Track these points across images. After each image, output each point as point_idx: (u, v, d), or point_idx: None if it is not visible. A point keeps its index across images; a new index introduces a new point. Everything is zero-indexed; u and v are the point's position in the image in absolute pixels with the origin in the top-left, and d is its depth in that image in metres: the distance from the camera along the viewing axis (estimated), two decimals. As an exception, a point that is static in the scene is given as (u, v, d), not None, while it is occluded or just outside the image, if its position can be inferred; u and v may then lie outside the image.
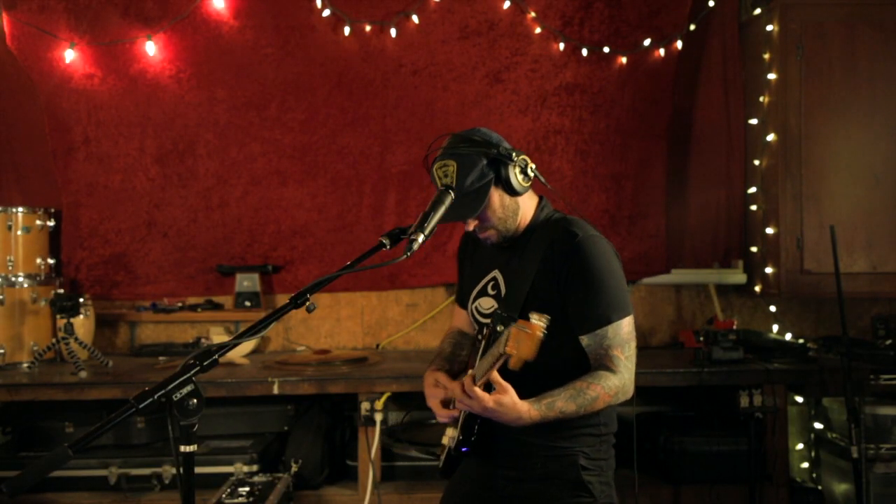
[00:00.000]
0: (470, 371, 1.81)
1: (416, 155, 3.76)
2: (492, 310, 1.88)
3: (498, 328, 1.76)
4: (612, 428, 1.88)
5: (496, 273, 1.91)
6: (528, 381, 1.69)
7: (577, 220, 1.84)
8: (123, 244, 3.73)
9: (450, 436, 1.88)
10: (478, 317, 1.94)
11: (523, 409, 1.65)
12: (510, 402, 1.64)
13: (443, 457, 1.94)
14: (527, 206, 1.87)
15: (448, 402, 1.87)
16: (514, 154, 1.79)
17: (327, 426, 3.33)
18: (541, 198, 1.93)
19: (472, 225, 1.83)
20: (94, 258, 3.71)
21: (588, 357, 1.77)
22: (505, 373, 1.69)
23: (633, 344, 1.78)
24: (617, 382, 1.72)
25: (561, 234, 1.80)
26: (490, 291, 1.91)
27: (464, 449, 1.79)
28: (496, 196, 1.80)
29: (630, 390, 1.76)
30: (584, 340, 1.76)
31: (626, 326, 1.76)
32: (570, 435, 1.80)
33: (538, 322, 1.50)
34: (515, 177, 1.79)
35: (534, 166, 1.83)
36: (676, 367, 3.14)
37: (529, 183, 1.83)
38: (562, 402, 1.68)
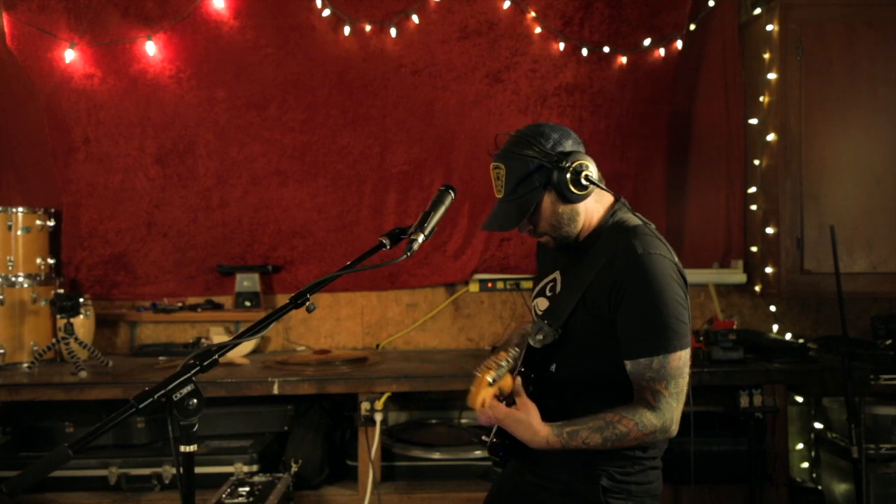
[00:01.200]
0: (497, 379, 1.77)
1: (416, 155, 3.76)
2: (545, 310, 1.80)
3: (538, 336, 1.72)
4: (651, 453, 1.72)
5: (557, 275, 1.83)
6: (568, 392, 1.68)
7: (646, 232, 1.72)
8: (123, 244, 3.73)
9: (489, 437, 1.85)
10: (535, 317, 1.87)
11: (542, 432, 1.61)
12: (526, 420, 1.61)
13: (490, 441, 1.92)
14: (592, 209, 1.77)
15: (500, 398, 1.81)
16: (566, 160, 1.69)
17: (327, 426, 3.33)
18: (617, 198, 1.82)
19: (524, 230, 1.77)
20: (94, 258, 3.71)
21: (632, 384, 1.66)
22: (545, 380, 1.68)
23: (683, 381, 1.64)
24: (654, 421, 1.60)
25: (622, 246, 1.68)
26: (548, 293, 1.83)
27: (500, 453, 1.75)
28: (548, 203, 1.72)
29: (672, 429, 1.64)
30: (629, 366, 1.65)
31: (675, 361, 1.62)
32: (599, 452, 1.66)
33: (483, 374, 1.52)
34: (567, 185, 1.69)
35: (591, 174, 1.71)
36: (676, 367, 3.13)
37: (586, 191, 1.71)
38: (586, 432, 1.60)
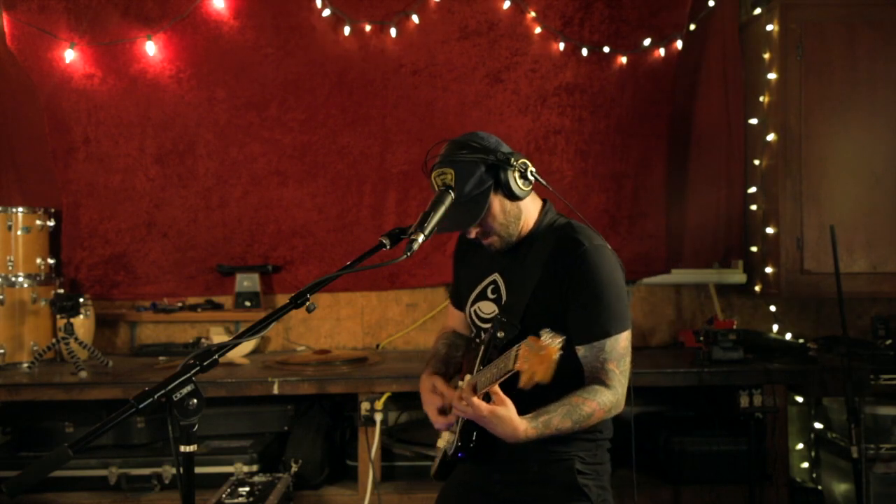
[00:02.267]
0: (468, 377, 1.81)
1: (416, 155, 3.76)
2: (493, 314, 1.85)
3: (499, 334, 1.76)
4: (607, 434, 1.87)
5: (496, 276, 1.88)
6: (524, 391, 1.69)
7: (582, 227, 1.81)
8: (123, 244, 3.73)
9: (446, 440, 1.87)
10: (476, 321, 1.91)
11: (520, 425, 1.63)
12: (507, 415, 1.63)
13: (437, 460, 1.93)
14: (529, 210, 1.84)
15: (445, 409, 1.86)
16: (513, 158, 1.75)
17: (327, 426, 3.33)
18: (545, 201, 1.89)
19: (473, 233, 1.80)
20: (94, 258, 3.71)
21: (583, 368, 1.75)
22: (505, 384, 1.68)
23: (629, 359, 1.76)
24: (611, 398, 1.71)
25: (566, 242, 1.77)
26: (490, 295, 1.88)
27: (460, 455, 1.78)
28: (496, 202, 1.77)
29: (622, 405, 1.75)
30: (581, 351, 1.74)
31: (623, 341, 1.74)
32: (566, 439, 1.77)
33: (552, 342, 1.48)
34: (515, 182, 1.75)
35: (534, 170, 1.79)
36: (676, 367, 3.14)
37: (530, 187, 1.79)
38: (558, 419, 1.67)
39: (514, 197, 1.77)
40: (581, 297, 1.73)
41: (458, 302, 2.06)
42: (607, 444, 1.87)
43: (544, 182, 1.82)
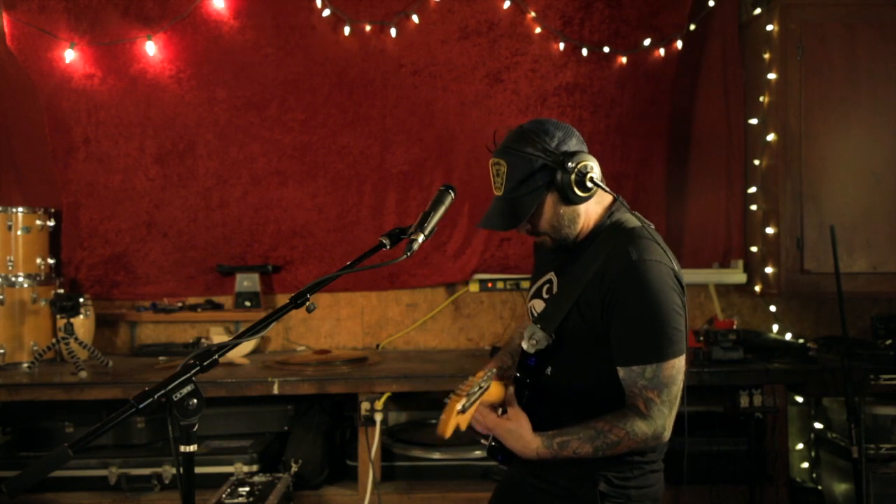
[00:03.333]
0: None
1: (416, 155, 3.76)
2: (542, 313, 1.76)
3: (531, 342, 1.68)
4: (650, 457, 1.69)
5: (552, 276, 1.79)
6: (563, 398, 1.67)
7: (643, 235, 1.67)
8: (123, 244, 3.73)
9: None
10: (531, 319, 1.83)
11: (533, 444, 1.59)
12: (517, 431, 1.61)
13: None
14: (591, 211, 1.72)
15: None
16: (571, 161, 1.63)
17: (327, 426, 3.33)
18: (615, 199, 1.77)
19: (523, 230, 1.72)
20: (94, 258, 3.71)
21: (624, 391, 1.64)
22: (541, 385, 1.66)
23: (676, 388, 1.60)
24: (645, 429, 1.58)
25: (617, 251, 1.64)
26: (544, 294, 1.79)
27: (498, 457, 1.74)
28: (549, 203, 1.67)
29: (664, 436, 1.61)
30: (621, 373, 1.62)
31: (668, 369, 1.58)
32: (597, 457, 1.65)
33: (453, 402, 1.49)
34: (571, 186, 1.63)
35: (596, 175, 1.66)
36: (676, 367, 3.13)
37: (590, 192, 1.66)
38: (577, 442, 1.59)
39: (569, 201, 1.67)
40: (622, 316, 1.60)
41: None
42: (650, 466, 1.70)
43: (606, 189, 1.71)
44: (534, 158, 1.64)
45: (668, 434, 1.63)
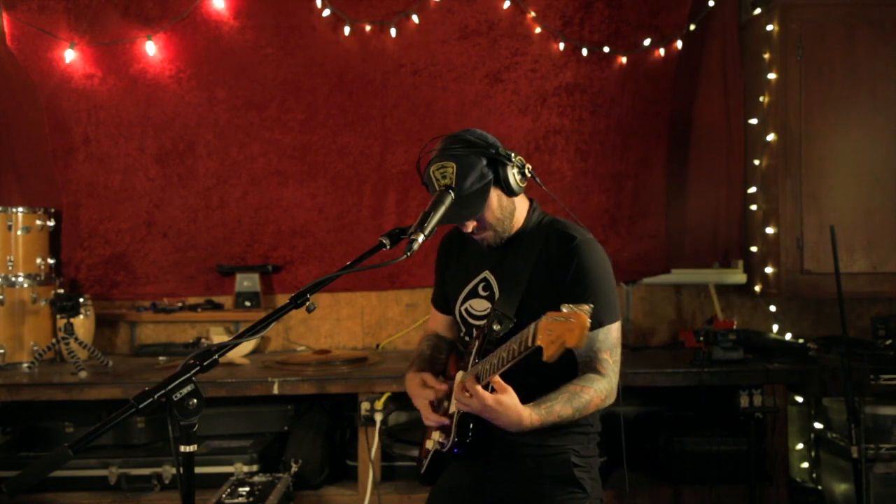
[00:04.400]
0: (461, 373, 1.82)
1: (416, 155, 3.73)
2: (486, 311, 1.87)
3: (494, 327, 1.76)
4: (597, 427, 1.91)
5: (487, 274, 1.90)
6: (526, 377, 1.69)
7: (571, 223, 1.86)
8: (123, 244, 3.73)
9: (435, 439, 1.86)
10: (468, 319, 1.93)
11: (524, 412, 1.64)
12: (511, 403, 1.63)
13: (426, 462, 1.92)
14: (520, 207, 1.88)
15: (435, 405, 1.87)
16: (512, 155, 1.80)
17: (327, 426, 3.33)
18: (531, 200, 1.94)
19: (470, 226, 1.82)
20: (94, 258, 3.71)
21: (577, 360, 1.77)
22: (505, 376, 1.68)
23: (620, 349, 1.80)
24: (606, 385, 1.74)
25: (558, 236, 1.82)
26: (482, 293, 1.90)
27: (456, 451, 1.78)
28: (495, 196, 1.80)
29: (615, 394, 1.78)
30: None
31: (615, 331, 1.78)
32: (561, 434, 1.80)
33: (580, 310, 1.48)
34: (514, 177, 1.79)
35: (530, 167, 1.84)
36: (676, 367, 3.14)
37: (525, 183, 1.84)
38: (559, 405, 1.68)
39: (511, 192, 1.81)
40: (574, 290, 1.75)
41: (443, 304, 2.07)
42: (597, 437, 1.91)
43: (538, 180, 1.87)
44: (481, 155, 1.78)
45: (616, 393, 1.79)
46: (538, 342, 1.49)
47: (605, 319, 1.75)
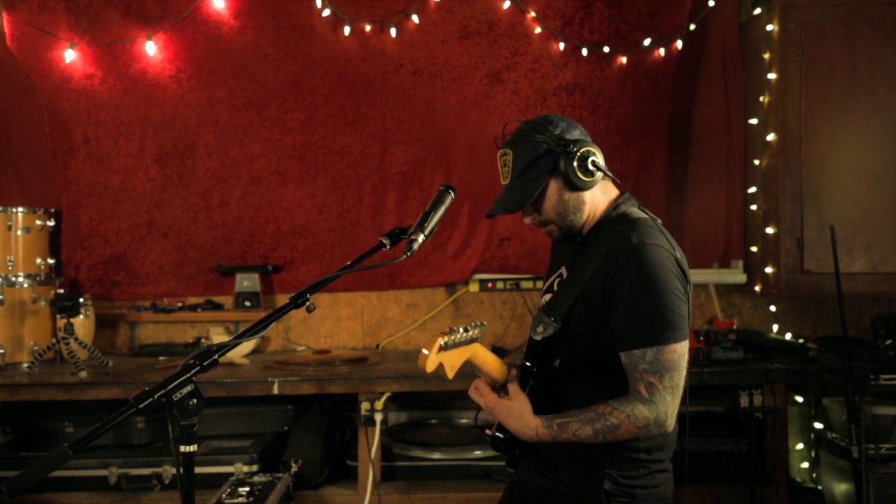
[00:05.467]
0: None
1: (416, 155, 3.76)
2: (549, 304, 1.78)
3: (538, 329, 1.70)
4: (656, 455, 1.68)
5: (563, 269, 1.80)
6: (569, 386, 1.68)
7: (646, 223, 1.68)
8: (123, 244, 3.73)
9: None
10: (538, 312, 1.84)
11: (532, 423, 1.59)
12: (517, 410, 1.61)
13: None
14: (597, 201, 1.76)
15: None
16: (574, 146, 1.68)
17: (327, 426, 3.33)
18: (622, 193, 1.80)
19: (527, 219, 1.76)
20: (94, 258, 3.71)
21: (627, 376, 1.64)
22: (548, 375, 1.67)
23: (679, 375, 1.59)
24: (647, 413, 1.56)
25: (620, 236, 1.66)
26: (555, 287, 1.80)
27: (501, 447, 1.74)
28: (554, 189, 1.71)
29: (667, 424, 1.59)
30: (623, 358, 1.61)
31: (669, 353, 1.57)
32: (602, 454, 1.65)
33: (436, 338, 1.51)
34: (575, 171, 1.68)
35: (598, 160, 1.71)
36: (676, 367, 3.13)
37: (593, 178, 1.71)
38: (577, 424, 1.58)
39: (573, 186, 1.70)
40: (623, 299, 1.61)
41: None
42: (656, 465, 1.69)
43: (610, 175, 1.76)
44: (538, 144, 1.69)
45: (671, 423, 1.61)
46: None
47: (653, 339, 1.57)
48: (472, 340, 1.62)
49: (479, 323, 1.64)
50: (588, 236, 1.76)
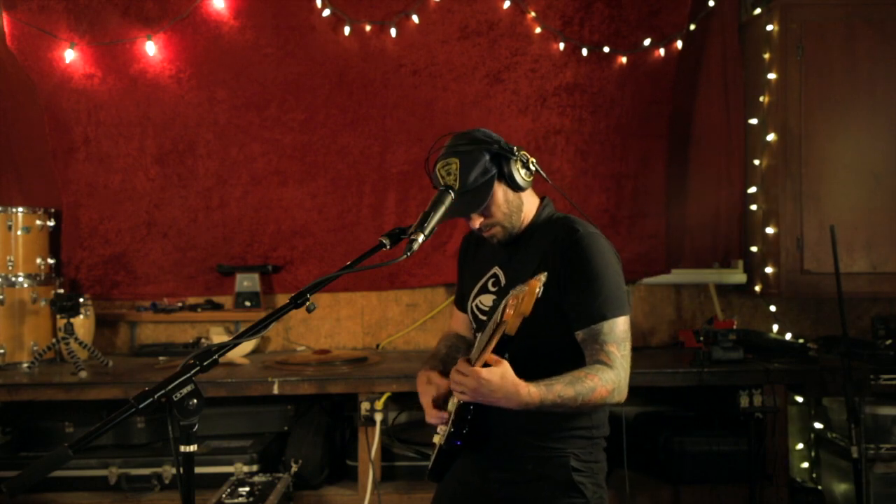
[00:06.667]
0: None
1: (416, 155, 3.76)
2: (493, 305, 1.88)
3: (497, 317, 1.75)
4: (603, 431, 1.87)
5: (497, 269, 1.91)
6: (527, 374, 1.67)
7: (579, 219, 1.85)
8: (123, 244, 3.73)
9: (441, 435, 1.83)
10: (478, 314, 1.93)
11: (522, 384, 1.60)
12: (508, 374, 1.59)
13: (433, 457, 1.91)
14: (529, 203, 1.88)
15: (439, 401, 1.83)
16: (515, 149, 1.81)
17: (327, 426, 3.33)
18: (543, 198, 1.94)
19: (477, 222, 1.83)
20: (94, 258, 3.71)
21: (584, 353, 1.74)
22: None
23: (629, 345, 1.76)
24: (612, 376, 1.69)
25: (562, 230, 1.81)
26: (491, 288, 1.91)
27: (457, 442, 1.74)
28: (500, 191, 1.81)
29: (624, 390, 1.73)
30: (580, 335, 1.74)
31: (622, 325, 1.74)
32: (561, 437, 1.79)
33: (534, 280, 1.51)
34: (518, 172, 1.80)
35: (535, 161, 1.84)
36: (676, 367, 3.14)
37: (532, 178, 1.84)
38: (560, 385, 1.63)
39: (517, 187, 1.82)
40: (577, 282, 1.74)
41: (461, 301, 2.07)
42: (603, 442, 1.87)
43: (544, 174, 1.87)
44: (484, 150, 1.79)
45: (626, 389, 1.72)
46: (505, 317, 1.52)
47: (609, 312, 1.72)
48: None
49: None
50: (522, 238, 1.88)
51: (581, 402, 1.66)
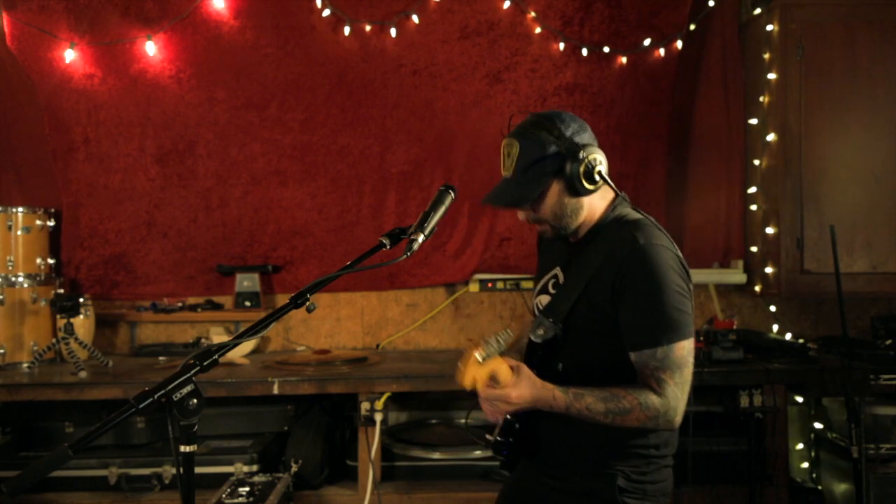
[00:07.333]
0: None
1: (416, 155, 3.76)
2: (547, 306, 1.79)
3: (538, 331, 1.70)
4: (664, 451, 1.72)
5: (558, 270, 1.81)
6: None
7: (649, 225, 1.69)
8: (123, 244, 3.73)
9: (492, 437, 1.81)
10: (537, 314, 1.84)
11: (548, 387, 1.58)
12: (532, 378, 1.57)
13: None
14: (595, 204, 1.76)
15: None
16: (582, 151, 1.67)
17: (327, 426, 3.33)
18: (616, 195, 1.80)
19: (522, 215, 1.75)
20: (94, 258, 3.71)
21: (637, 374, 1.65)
22: (548, 378, 1.65)
23: (688, 371, 1.63)
24: (658, 404, 1.58)
25: (624, 238, 1.66)
26: (551, 290, 1.80)
27: (504, 452, 1.73)
28: (555, 191, 1.70)
29: (674, 418, 1.61)
30: (633, 357, 1.64)
31: (678, 350, 1.60)
32: (613, 452, 1.68)
33: (471, 350, 1.49)
34: (579, 177, 1.67)
35: (603, 169, 1.70)
36: (676, 367, 3.13)
37: (595, 186, 1.71)
38: (591, 398, 1.58)
39: (575, 192, 1.70)
40: (632, 300, 1.62)
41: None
42: (664, 461, 1.73)
43: (611, 183, 1.74)
44: (547, 143, 1.67)
45: (679, 419, 1.62)
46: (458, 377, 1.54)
47: (664, 337, 1.59)
48: (503, 346, 1.62)
49: (507, 333, 1.63)
50: (585, 238, 1.76)
51: (612, 420, 1.60)
